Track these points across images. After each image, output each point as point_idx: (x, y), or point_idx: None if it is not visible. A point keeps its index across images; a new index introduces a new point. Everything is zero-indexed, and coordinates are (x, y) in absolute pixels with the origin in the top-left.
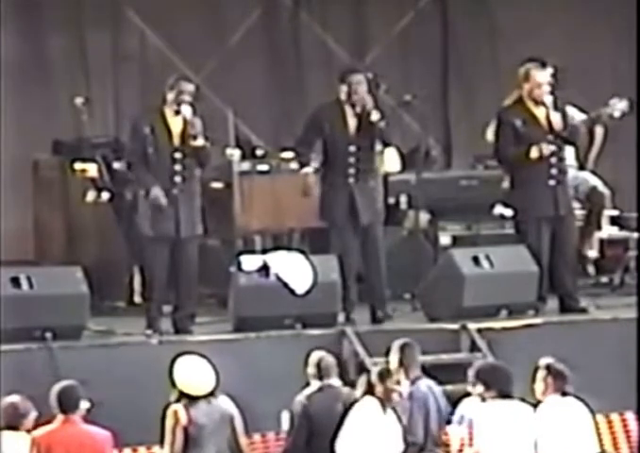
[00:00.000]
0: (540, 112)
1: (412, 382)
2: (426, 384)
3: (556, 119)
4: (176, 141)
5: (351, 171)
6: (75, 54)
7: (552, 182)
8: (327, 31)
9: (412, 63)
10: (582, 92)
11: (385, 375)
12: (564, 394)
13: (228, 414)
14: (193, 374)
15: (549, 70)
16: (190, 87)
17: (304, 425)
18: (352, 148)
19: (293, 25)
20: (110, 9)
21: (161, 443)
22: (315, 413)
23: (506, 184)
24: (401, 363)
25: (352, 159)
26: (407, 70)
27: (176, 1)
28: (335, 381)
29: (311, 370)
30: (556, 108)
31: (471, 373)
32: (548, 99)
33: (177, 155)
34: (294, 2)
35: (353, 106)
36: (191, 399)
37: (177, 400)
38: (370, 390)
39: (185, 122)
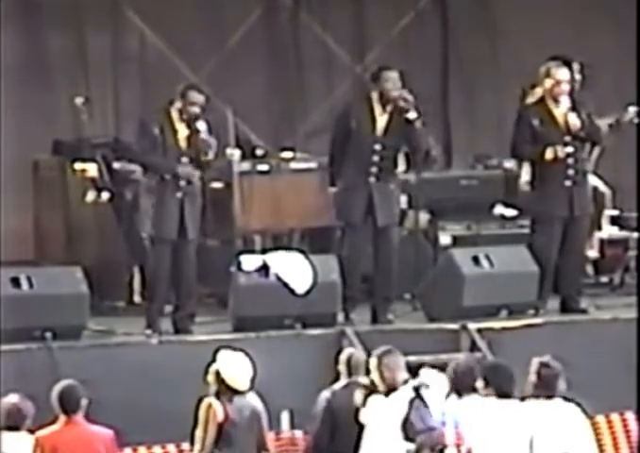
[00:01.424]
0: (559, 112)
1: (404, 383)
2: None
3: (573, 119)
4: (183, 144)
5: (373, 170)
6: (75, 54)
7: (568, 183)
8: (327, 31)
9: (412, 63)
10: (584, 91)
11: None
12: (552, 396)
13: (257, 412)
14: (240, 367)
15: (575, 67)
16: (201, 98)
17: (327, 419)
18: (377, 147)
19: (293, 25)
20: (110, 9)
21: (192, 436)
22: (338, 409)
23: (525, 178)
24: (382, 374)
25: (376, 158)
26: (407, 70)
27: (176, 1)
28: (362, 378)
29: (342, 367)
30: (574, 108)
31: (448, 373)
32: (567, 99)
33: (184, 159)
34: (294, 2)
35: (384, 104)
36: (227, 394)
37: (216, 395)
38: (372, 390)
39: (190, 127)
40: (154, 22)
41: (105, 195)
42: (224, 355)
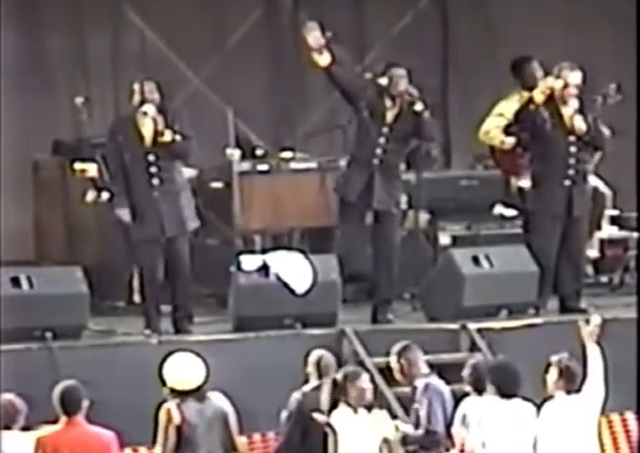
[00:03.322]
0: (567, 113)
1: (426, 377)
2: (438, 381)
3: (579, 123)
4: (148, 143)
5: (378, 151)
6: (75, 54)
7: (568, 182)
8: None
9: (412, 63)
10: (583, 91)
11: (351, 376)
12: (573, 391)
13: (222, 412)
14: (180, 368)
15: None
16: (148, 86)
17: (299, 421)
18: (385, 130)
19: (293, 25)
20: (110, 9)
21: (154, 442)
22: (309, 410)
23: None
24: (402, 366)
25: (382, 140)
26: (407, 70)
27: (176, 1)
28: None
29: (311, 368)
30: (581, 111)
31: (466, 372)
32: (575, 102)
33: (151, 157)
34: (294, 2)
35: (393, 98)
36: (182, 397)
37: (169, 398)
38: (338, 396)
39: (154, 122)
40: (154, 22)
41: (105, 195)
42: (168, 360)
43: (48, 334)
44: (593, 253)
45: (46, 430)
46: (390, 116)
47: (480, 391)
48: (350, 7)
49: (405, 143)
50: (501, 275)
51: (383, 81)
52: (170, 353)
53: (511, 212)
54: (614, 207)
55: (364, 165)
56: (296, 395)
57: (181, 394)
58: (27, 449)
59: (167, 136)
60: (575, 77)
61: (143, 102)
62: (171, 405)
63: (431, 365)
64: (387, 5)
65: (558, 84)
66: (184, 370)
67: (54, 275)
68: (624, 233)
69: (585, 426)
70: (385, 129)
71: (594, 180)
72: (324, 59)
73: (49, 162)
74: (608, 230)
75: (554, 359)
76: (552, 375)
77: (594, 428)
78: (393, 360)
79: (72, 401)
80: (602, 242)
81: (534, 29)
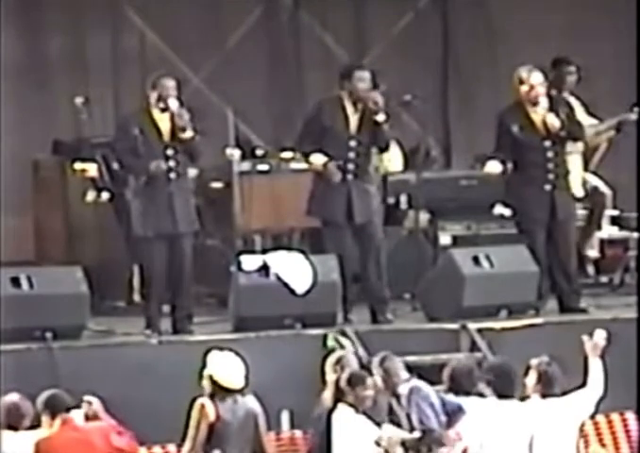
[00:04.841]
0: (537, 116)
1: (407, 381)
2: (420, 382)
3: (552, 120)
4: (166, 138)
5: (350, 167)
6: (75, 54)
7: (548, 187)
8: (327, 31)
9: (412, 63)
10: (582, 93)
11: (354, 381)
12: (550, 395)
13: (253, 413)
14: (231, 367)
15: (572, 68)
16: (171, 82)
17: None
18: (352, 143)
19: (293, 25)
20: (110, 9)
21: (184, 436)
22: None
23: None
24: (385, 377)
25: (352, 155)
26: (407, 70)
27: (176, 1)
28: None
29: (329, 369)
30: (552, 108)
31: (445, 373)
32: (545, 100)
33: (169, 151)
34: (294, 2)
35: (355, 102)
36: (221, 394)
37: (210, 395)
38: (340, 396)
39: (173, 117)
40: (154, 22)
41: (105, 195)
42: (213, 356)
43: (48, 334)
44: (593, 253)
45: (44, 433)
46: (353, 125)
47: (456, 392)
48: (350, 7)
49: (369, 151)
50: (501, 275)
51: (344, 94)
52: (209, 349)
53: (510, 212)
54: (615, 207)
55: (339, 185)
56: (327, 396)
57: (222, 392)
58: (29, 450)
59: (189, 132)
60: (537, 77)
61: (161, 97)
62: (206, 400)
63: (432, 365)
64: (387, 5)
65: (523, 89)
66: (235, 368)
67: (54, 275)
68: (624, 233)
69: (560, 431)
70: (353, 143)
71: (593, 180)
72: None
73: (49, 162)
74: (608, 230)
75: (534, 362)
76: (531, 378)
77: (571, 436)
78: (375, 369)
79: (57, 404)
80: (602, 242)
81: (534, 30)
